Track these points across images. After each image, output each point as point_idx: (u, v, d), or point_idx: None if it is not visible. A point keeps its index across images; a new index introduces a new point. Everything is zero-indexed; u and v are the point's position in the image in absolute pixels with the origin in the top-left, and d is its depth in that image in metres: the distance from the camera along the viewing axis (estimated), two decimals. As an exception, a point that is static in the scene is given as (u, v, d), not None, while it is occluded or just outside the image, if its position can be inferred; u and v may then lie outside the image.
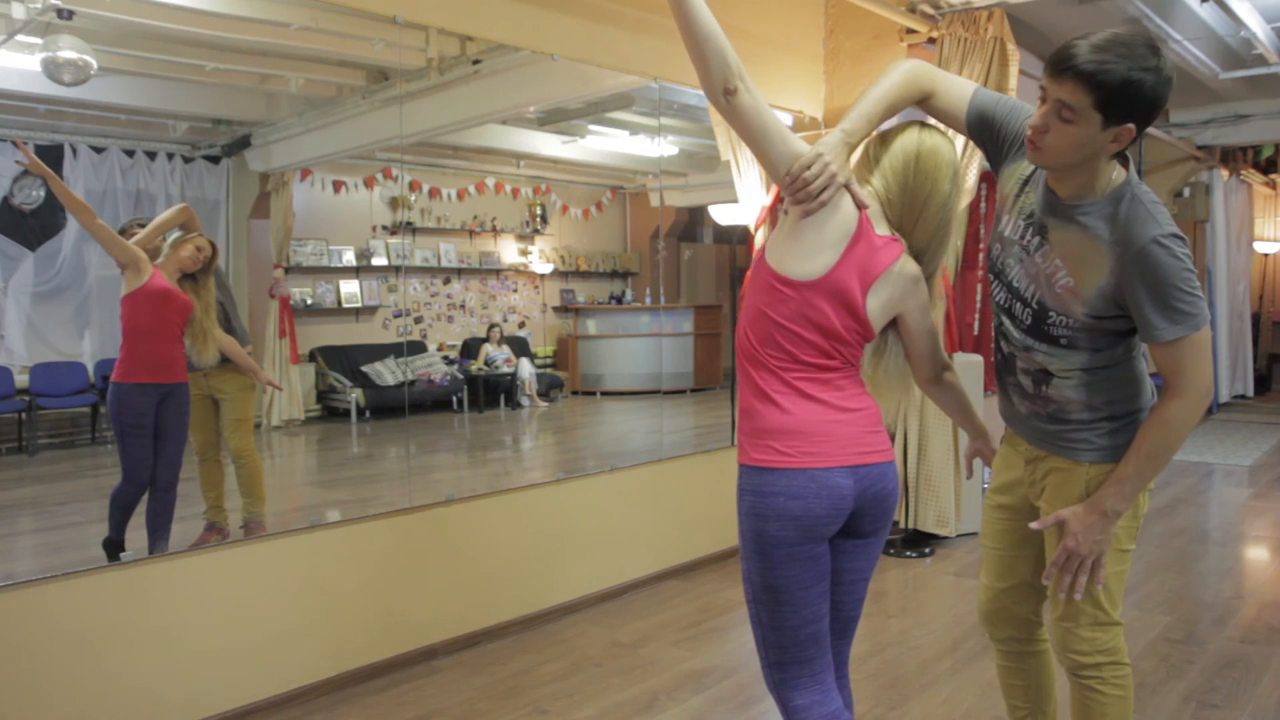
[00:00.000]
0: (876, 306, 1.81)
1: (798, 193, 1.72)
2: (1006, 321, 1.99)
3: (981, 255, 7.32)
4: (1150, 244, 1.71)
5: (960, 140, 4.46)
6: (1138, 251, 1.72)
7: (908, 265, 1.85)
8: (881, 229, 1.81)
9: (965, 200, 4.67)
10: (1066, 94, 1.65)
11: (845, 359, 1.83)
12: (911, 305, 1.88)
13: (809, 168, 1.71)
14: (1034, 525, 1.95)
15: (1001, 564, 2.15)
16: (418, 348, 8.43)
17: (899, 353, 1.97)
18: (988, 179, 7.04)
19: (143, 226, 3.68)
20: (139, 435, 3.45)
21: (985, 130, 1.94)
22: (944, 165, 1.84)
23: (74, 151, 5.31)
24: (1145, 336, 1.77)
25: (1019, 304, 1.94)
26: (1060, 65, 1.65)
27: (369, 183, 7.87)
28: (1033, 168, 1.89)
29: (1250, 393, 10.61)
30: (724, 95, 1.75)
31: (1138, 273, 1.73)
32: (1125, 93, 1.62)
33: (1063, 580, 1.88)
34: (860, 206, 1.77)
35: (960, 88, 1.95)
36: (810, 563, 1.79)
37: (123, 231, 3.66)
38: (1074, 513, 1.86)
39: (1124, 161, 1.81)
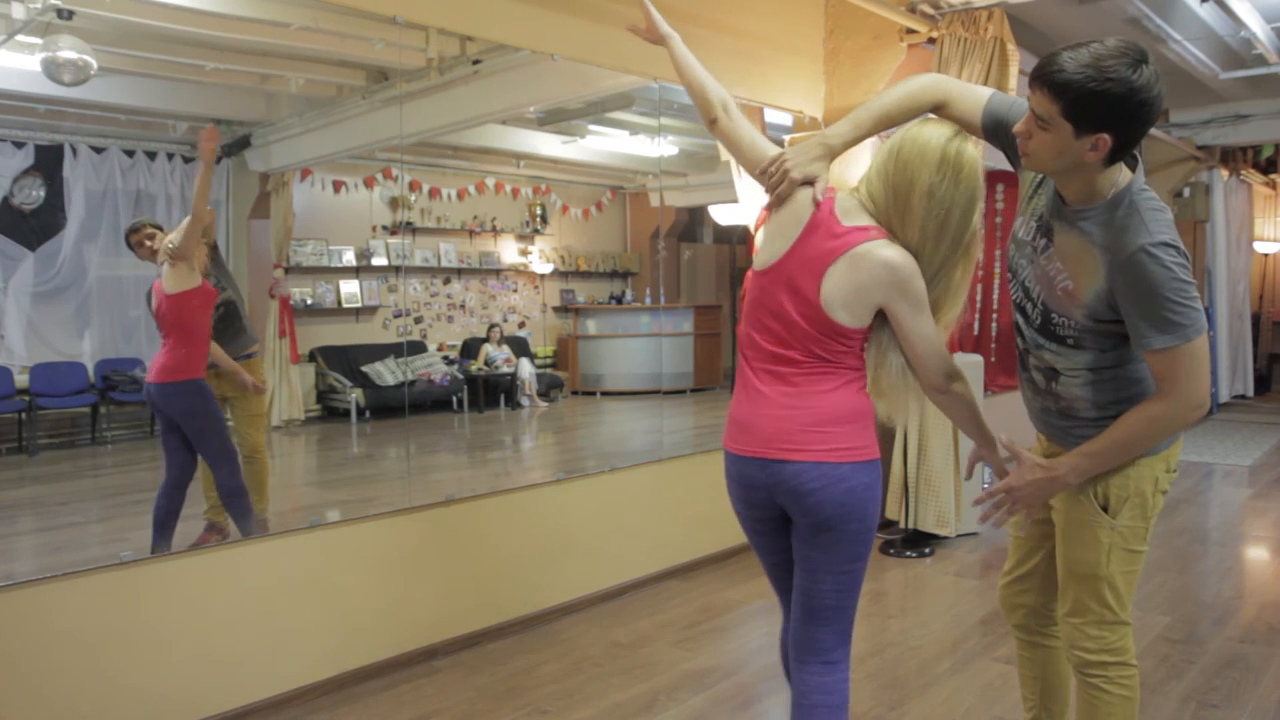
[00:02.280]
0: (834, 291, 1.84)
1: (765, 189, 1.96)
2: (1020, 319, 2.01)
3: (982, 255, 7.33)
4: (1138, 252, 1.70)
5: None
6: (1126, 259, 1.72)
7: (878, 250, 1.85)
8: (853, 220, 1.88)
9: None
10: (1038, 103, 1.68)
11: (808, 351, 1.89)
12: (894, 298, 1.85)
13: (769, 166, 1.95)
14: (1001, 438, 1.98)
15: (1019, 552, 2.23)
16: (418, 348, 8.44)
17: (899, 356, 1.93)
18: (988, 178, 7.03)
19: (156, 227, 3.70)
20: (222, 422, 3.56)
21: (1000, 134, 1.95)
22: (928, 153, 1.85)
23: (74, 151, 5.32)
24: (1135, 344, 1.78)
25: (1030, 303, 1.96)
26: (1034, 74, 1.68)
27: (369, 183, 7.87)
28: None
29: (1250, 393, 10.60)
30: (709, 125, 2.12)
31: (1126, 281, 1.73)
32: (1090, 103, 1.63)
33: (988, 508, 1.94)
34: (814, 201, 1.89)
35: (975, 95, 1.97)
36: (751, 528, 2.06)
37: (138, 230, 3.68)
38: (1031, 461, 1.90)
39: (1133, 165, 1.81)
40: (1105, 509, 1.92)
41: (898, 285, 1.84)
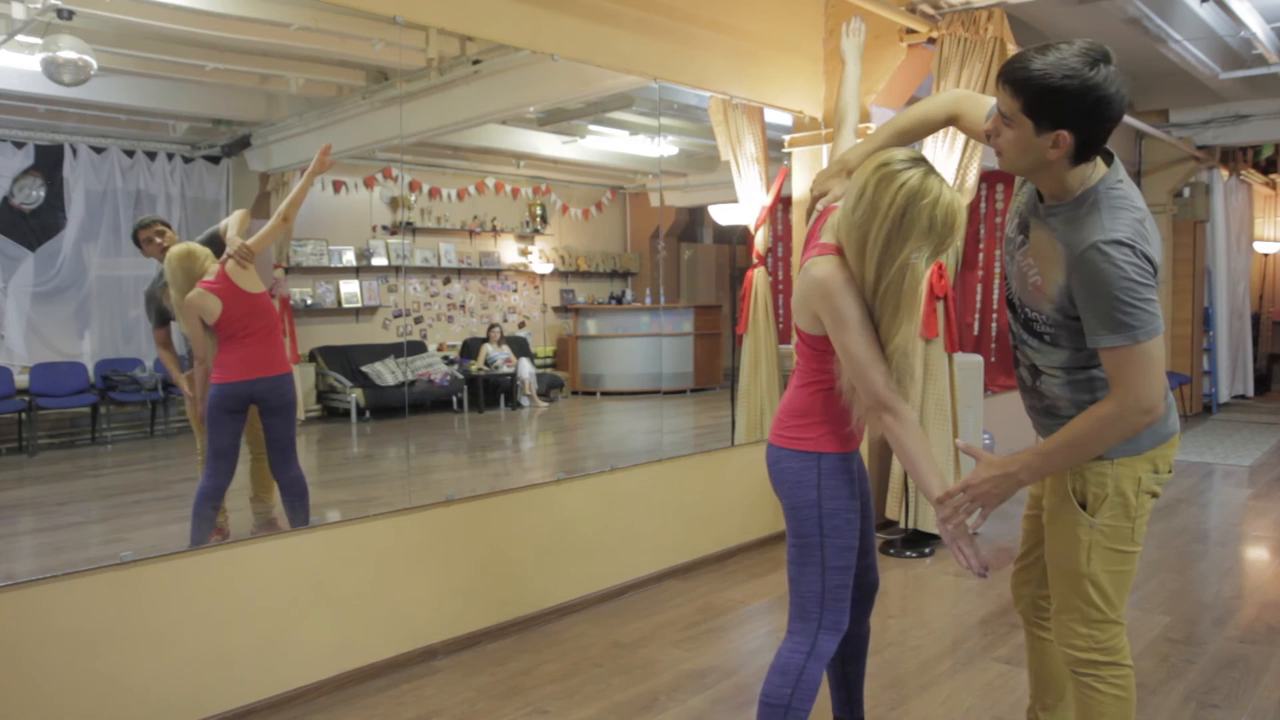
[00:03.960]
0: (794, 299, 2.07)
1: None
2: (1010, 316, 2.06)
3: (982, 255, 7.34)
4: (1090, 249, 1.71)
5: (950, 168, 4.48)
6: (1079, 255, 1.74)
7: (814, 264, 1.98)
8: (826, 236, 2.04)
9: (966, 199, 4.67)
10: (1002, 100, 1.74)
11: (798, 350, 2.13)
12: (821, 310, 1.97)
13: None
14: (958, 442, 2.08)
15: (1025, 541, 2.28)
16: (418, 348, 8.43)
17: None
18: (988, 179, 7.04)
19: (164, 224, 3.70)
20: None
21: None
22: (857, 177, 1.96)
23: (74, 151, 5.31)
24: (1089, 340, 1.78)
25: (1015, 299, 2.00)
26: (999, 72, 1.73)
27: (369, 183, 7.87)
28: None
29: (1250, 393, 10.58)
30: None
31: (1078, 276, 1.75)
32: (1046, 99, 1.66)
33: (948, 510, 1.92)
34: (816, 215, 2.11)
35: (983, 105, 2.04)
36: None
37: (147, 226, 3.68)
38: (990, 459, 1.92)
39: (1108, 161, 1.82)
40: (1084, 506, 1.92)
41: (821, 298, 1.96)
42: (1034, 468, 1.88)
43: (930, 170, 1.90)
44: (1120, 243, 1.70)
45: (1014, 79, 1.69)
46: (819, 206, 2.10)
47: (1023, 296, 1.93)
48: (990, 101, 2.02)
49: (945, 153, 4.64)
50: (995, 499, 1.90)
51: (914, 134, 2.12)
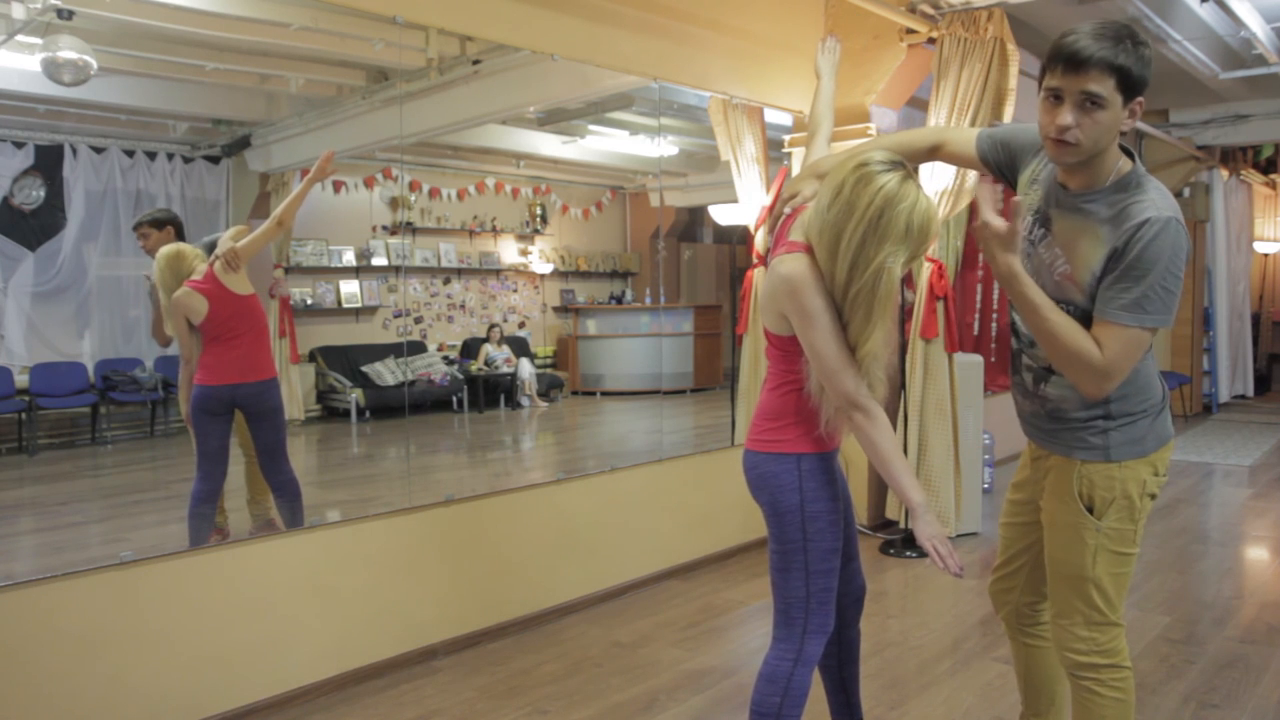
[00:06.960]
0: (761, 298, 2.10)
1: None
2: (1015, 318, 2.02)
3: (982, 255, 7.32)
4: (1149, 222, 1.73)
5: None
6: (1136, 225, 1.74)
7: (782, 262, 1.97)
8: (794, 236, 2.02)
9: (965, 200, 4.67)
10: (1092, 83, 1.71)
11: (769, 355, 2.12)
12: (788, 308, 1.96)
13: None
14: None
15: (1006, 549, 2.27)
16: (418, 348, 8.43)
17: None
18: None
19: (169, 222, 3.71)
20: None
21: (1001, 152, 2.02)
22: (832, 175, 1.95)
23: (74, 151, 5.31)
24: (1096, 307, 1.78)
25: None
26: (1076, 59, 1.71)
27: (369, 183, 7.87)
28: (1040, 167, 1.95)
29: (1250, 393, 10.59)
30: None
31: (1131, 248, 1.73)
32: (1138, 70, 1.71)
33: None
34: (784, 215, 2.14)
35: (967, 132, 2.11)
36: None
37: (152, 223, 3.68)
38: (1004, 221, 1.81)
39: (1129, 154, 1.84)
40: (1090, 510, 1.92)
41: (787, 295, 1.94)
42: (1016, 293, 1.80)
43: (909, 175, 1.90)
44: (1177, 220, 1.74)
45: (1103, 59, 1.69)
46: (786, 209, 2.12)
47: (1046, 288, 1.89)
48: (973, 131, 2.08)
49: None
50: (983, 241, 1.81)
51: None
